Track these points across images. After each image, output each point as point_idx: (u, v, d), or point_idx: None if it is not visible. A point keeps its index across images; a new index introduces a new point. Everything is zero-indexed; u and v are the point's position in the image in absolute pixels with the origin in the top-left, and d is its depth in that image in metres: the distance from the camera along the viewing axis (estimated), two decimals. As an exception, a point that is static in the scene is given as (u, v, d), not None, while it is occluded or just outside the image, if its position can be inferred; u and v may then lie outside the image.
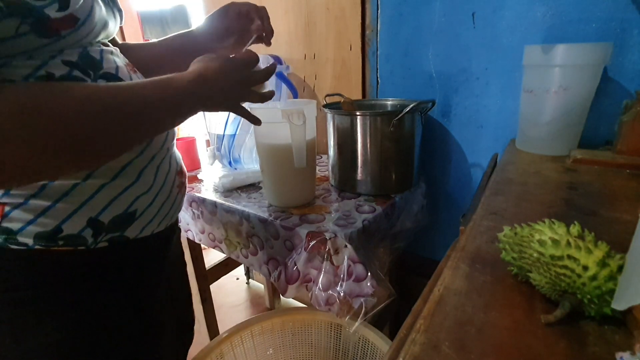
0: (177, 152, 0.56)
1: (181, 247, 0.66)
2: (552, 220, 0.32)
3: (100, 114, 0.34)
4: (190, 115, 0.43)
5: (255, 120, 0.56)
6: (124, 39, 2.05)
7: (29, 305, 0.42)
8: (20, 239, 0.40)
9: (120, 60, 0.46)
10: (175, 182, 0.53)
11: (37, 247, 0.40)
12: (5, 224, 0.39)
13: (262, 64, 0.98)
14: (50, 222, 0.40)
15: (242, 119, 0.96)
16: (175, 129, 0.53)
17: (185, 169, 0.58)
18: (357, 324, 0.65)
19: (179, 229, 0.64)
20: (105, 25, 0.44)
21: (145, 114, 0.37)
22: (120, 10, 0.48)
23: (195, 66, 0.44)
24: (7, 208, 0.39)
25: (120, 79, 0.44)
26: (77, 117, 0.32)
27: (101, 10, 0.42)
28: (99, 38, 0.44)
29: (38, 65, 0.36)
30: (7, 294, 0.41)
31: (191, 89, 0.41)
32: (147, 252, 0.51)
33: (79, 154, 0.34)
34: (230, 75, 0.45)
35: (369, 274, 0.65)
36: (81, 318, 0.45)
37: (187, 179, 0.58)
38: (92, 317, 0.45)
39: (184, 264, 0.69)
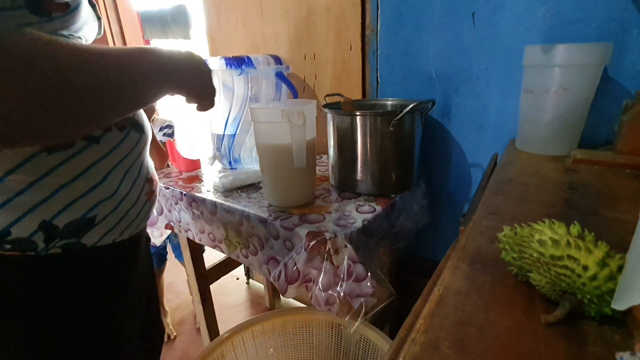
0: (150, 160, 0.54)
1: (150, 258, 0.62)
2: (552, 220, 0.32)
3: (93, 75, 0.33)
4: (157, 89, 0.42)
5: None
6: (124, 40, 2.05)
7: None
8: None
9: None
10: (144, 189, 0.51)
11: None
12: None
13: (262, 64, 0.98)
14: None
15: (242, 119, 0.96)
16: (149, 134, 0.52)
17: (156, 177, 0.55)
18: (357, 324, 0.65)
19: (148, 239, 0.61)
20: (86, 22, 0.44)
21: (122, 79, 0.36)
22: (99, 18, 0.48)
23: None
24: None
25: None
26: (71, 70, 0.31)
27: (87, 8, 0.43)
28: (78, 34, 0.43)
29: None
30: None
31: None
32: (106, 262, 0.47)
33: (68, 105, 0.32)
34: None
35: (369, 274, 0.65)
36: (25, 333, 0.40)
37: (158, 188, 0.56)
38: (38, 331, 0.41)
39: (153, 276, 0.65)
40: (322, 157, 1.17)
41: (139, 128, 0.48)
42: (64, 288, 0.42)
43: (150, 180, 0.53)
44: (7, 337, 0.40)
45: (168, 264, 1.76)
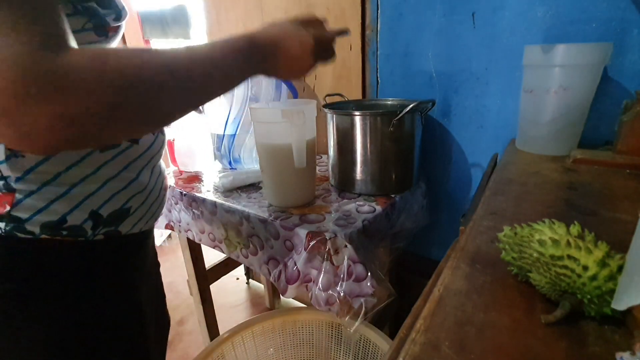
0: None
1: (154, 247, 0.69)
2: (552, 220, 0.32)
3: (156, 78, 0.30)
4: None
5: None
6: (124, 40, 2.05)
7: (27, 298, 0.42)
8: (28, 227, 0.41)
9: None
10: (163, 185, 0.57)
11: (42, 236, 0.42)
12: (14, 213, 0.40)
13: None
14: (58, 210, 0.42)
15: (242, 119, 0.96)
16: (165, 139, 0.58)
17: (166, 174, 0.63)
18: (357, 324, 0.65)
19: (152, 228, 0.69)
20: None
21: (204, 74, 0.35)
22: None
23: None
24: (18, 196, 0.40)
25: None
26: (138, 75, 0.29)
27: None
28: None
29: None
30: (6, 285, 0.42)
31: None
32: (133, 249, 0.53)
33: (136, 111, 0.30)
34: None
35: (369, 274, 0.65)
36: (79, 310, 0.46)
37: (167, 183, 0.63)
38: (90, 308, 0.47)
39: (158, 265, 0.71)
40: (322, 157, 1.17)
41: (163, 131, 0.56)
42: (105, 271, 0.48)
43: (165, 177, 0.60)
44: (57, 313, 0.45)
45: (167, 264, 1.76)
